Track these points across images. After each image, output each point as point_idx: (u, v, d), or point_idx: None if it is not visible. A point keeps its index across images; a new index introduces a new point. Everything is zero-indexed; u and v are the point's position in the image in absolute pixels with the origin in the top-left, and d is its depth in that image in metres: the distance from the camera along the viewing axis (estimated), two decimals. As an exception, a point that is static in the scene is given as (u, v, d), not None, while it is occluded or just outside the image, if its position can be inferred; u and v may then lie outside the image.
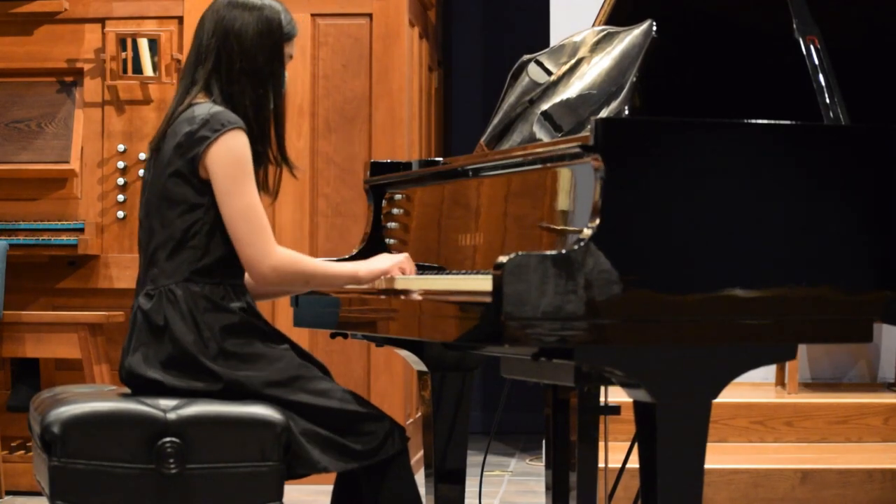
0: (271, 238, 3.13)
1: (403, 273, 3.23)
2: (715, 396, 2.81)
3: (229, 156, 3.10)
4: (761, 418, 5.43)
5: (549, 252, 2.65)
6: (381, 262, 3.26)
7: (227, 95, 3.20)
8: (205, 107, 3.16)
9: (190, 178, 3.12)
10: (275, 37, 3.25)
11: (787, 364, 5.74)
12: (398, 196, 3.69)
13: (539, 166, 3.00)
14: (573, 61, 3.33)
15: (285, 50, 3.28)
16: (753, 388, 5.94)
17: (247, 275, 3.20)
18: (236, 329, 3.12)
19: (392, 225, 3.69)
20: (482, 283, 2.74)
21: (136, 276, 3.24)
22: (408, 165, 3.73)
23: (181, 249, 3.13)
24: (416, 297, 3.05)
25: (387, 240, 3.71)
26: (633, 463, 3.03)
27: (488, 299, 2.66)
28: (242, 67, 3.20)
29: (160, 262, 3.14)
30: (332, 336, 3.68)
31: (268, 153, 3.27)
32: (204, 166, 3.11)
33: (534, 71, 3.44)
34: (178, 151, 3.13)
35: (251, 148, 3.16)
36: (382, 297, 3.24)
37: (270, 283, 3.16)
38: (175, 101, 3.24)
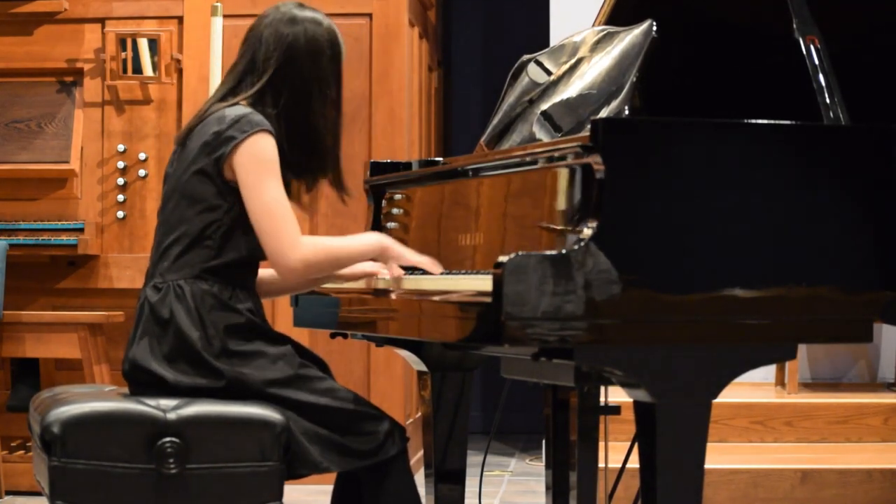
0: (297, 232, 3.11)
1: (424, 265, 3.21)
2: (715, 396, 2.81)
3: (254, 154, 3.10)
4: (761, 418, 5.43)
5: (548, 252, 2.65)
6: (412, 253, 3.23)
7: (281, 109, 3.18)
8: (237, 108, 3.16)
9: (214, 177, 3.12)
10: (338, 59, 3.26)
11: (787, 364, 5.74)
12: (398, 196, 3.69)
13: (539, 166, 3.00)
14: (573, 61, 3.33)
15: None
16: (753, 388, 5.94)
17: (275, 272, 3.19)
18: (240, 329, 3.12)
19: (392, 225, 3.69)
20: (482, 283, 2.74)
21: (146, 267, 3.24)
22: (408, 165, 3.73)
23: (195, 247, 3.13)
24: (416, 297, 3.05)
25: (387, 240, 3.71)
26: (633, 463, 3.03)
27: (488, 299, 2.66)
28: (309, 90, 3.20)
29: (172, 256, 3.14)
30: (332, 336, 3.68)
31: (309, 172, 3.25)
32: (230, 167, 3.11)
33: (534, 71, 3.44)
34: (205, 150, 3.13)
35: (287, 161, 3.16)
36: (382, 296, 3.24)
37: (300, 274, 3.14)
38: (211, 100, 3.23)
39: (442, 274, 3.18)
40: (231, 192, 3.13)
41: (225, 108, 3.17)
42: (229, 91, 3.23)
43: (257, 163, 3.10)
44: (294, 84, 3.20)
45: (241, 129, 3.11)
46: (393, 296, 3.18)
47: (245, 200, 3.11)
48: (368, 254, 3.23)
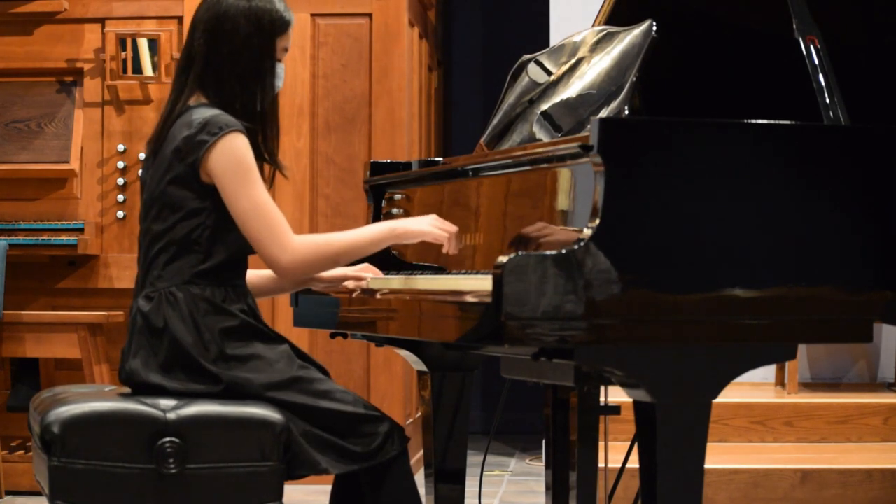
0: (287, 232, 3.10)
1: (442, 239, 3.19)
2: (715, 396, 2.81)
3: (231, 158, 3.08)
4: (761, 418, 5.43)
5: (548, 252, 2.65)
6: (422, 223, 3.20)
7: (219, 98, 3.16)
8: (202, 110, 3.13)
9: (191, 182, 3.11)
10: (265, 33, 3.17)
11: (787, 364, 5.74)
12: (398, 196, 3.69)
13: (539, 166, 3.00)
14: (573, 61, 3.33)
15: (279, 44, 3.20)
16: (753, 388, 5.94)
17: (270, 272, 3.18)
18: (236, 332, 3.11)
19: (392, 225, 3.68)
20: (482, 283, 2.74)
21: (135, 278, 3.23)
22: (408, 165, 3.73)
23: (183, 253, 3.12)
24: (416, 297, 3.05)
25: (387, 240, 3.70)
26: (633, 463, 3.03)
27: (488, 299, 2.66)
28: (231, 70, 3.15)
29: (161, 264, 3.13)
30: (332, 336, 3.68)
31: (262, 152, 3.23)
32: (205, 170, 3.10)
33: (534, 71, 3.44)
34: (178, 156, 3.11)
35: None
36: (381, 296, 3.24)
37: (296, 275, 3.15)
38: (170, 104, 3.20)
39: (442, 274, 3.18)
40: (210, 195, 3.10)
41: (192, 110, 3.14)
42: (179, 90, 3.19)
43: (234, 167, 3.07)
44: (218, 69, 3.16)
45: (211, 131, 3.08)
46: (392, 296, 3.18)
47: (229, 208, 3.09)
48: (379, 244, 3.21)
